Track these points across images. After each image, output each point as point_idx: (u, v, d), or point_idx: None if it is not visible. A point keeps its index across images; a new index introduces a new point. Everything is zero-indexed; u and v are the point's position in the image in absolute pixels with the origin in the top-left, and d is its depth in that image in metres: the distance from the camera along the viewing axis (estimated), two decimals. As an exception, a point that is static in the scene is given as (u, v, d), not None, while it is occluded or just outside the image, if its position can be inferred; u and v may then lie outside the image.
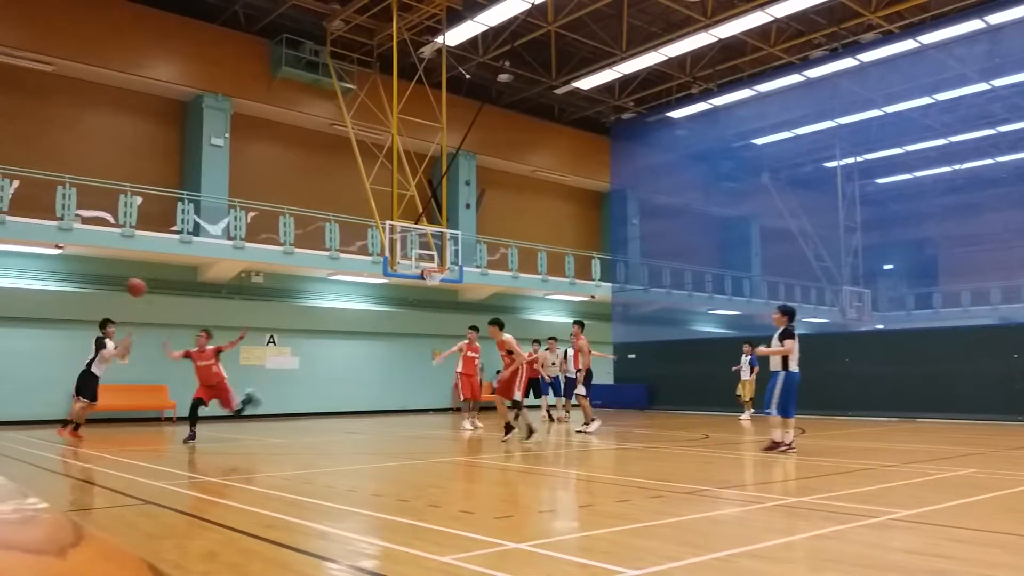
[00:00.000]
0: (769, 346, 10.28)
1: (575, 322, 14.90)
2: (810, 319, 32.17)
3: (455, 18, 20.60)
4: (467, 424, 15.12)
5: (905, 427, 15.55)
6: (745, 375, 18.25)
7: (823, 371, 17.27)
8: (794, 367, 10.04)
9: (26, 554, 0.75)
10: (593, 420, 13.72)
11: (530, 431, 11.57)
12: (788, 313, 10.38)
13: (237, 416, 13.54)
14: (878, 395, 18.01)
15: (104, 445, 12.49)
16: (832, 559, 4.25)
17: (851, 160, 30.28)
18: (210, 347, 12.69)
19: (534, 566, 4.19)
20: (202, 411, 12.74)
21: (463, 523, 5.35)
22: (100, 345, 13.02)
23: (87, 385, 12.86)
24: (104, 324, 13.29)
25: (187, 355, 12.80)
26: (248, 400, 12.88)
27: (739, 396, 18.39)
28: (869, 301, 30.30)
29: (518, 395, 11.74)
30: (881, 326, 29.69)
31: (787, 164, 30.76)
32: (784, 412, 9.97)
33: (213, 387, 12.59)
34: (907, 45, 21.89)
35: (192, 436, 12.13)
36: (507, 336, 11.83)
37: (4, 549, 0.79)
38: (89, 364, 12.98)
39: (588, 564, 4.12)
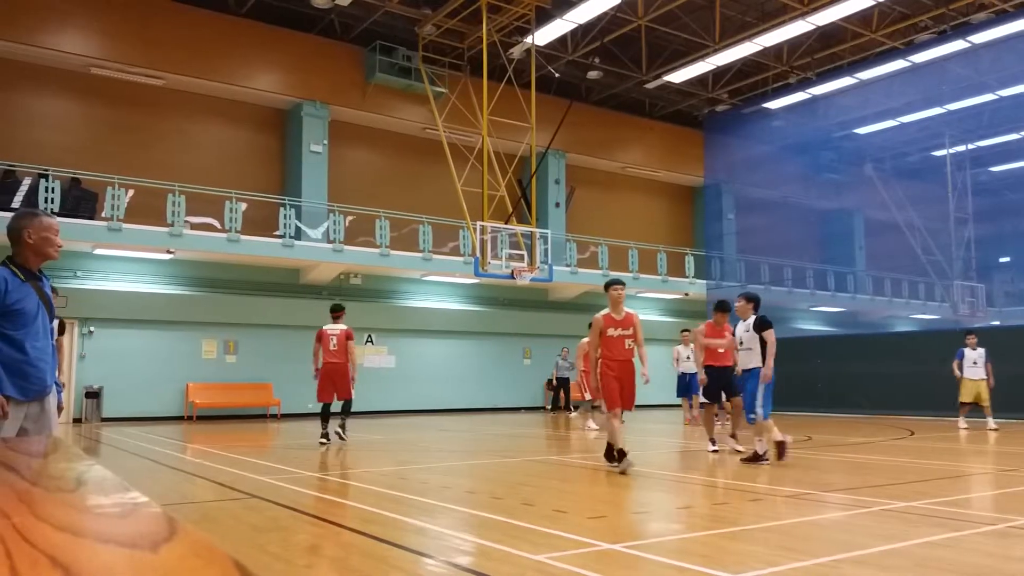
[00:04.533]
0: (741, 342, 9.16)
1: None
2: (918, 315, 30.75)
3: (544, 17, 20.61)
4: (592, 424, 14.83)
5: (1026, 429, 14.63)
6: (976, 373, 14.79)
7: (933, 369, 16.47)
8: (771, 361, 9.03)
9: (122, 547, 0.79)
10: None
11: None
12: (754, 300, 9.32)
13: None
14: (996, 395, 17.01)
15: (212, 441, 13.07)
16: (945, 568, 4.04)
17: (962, 148, 28.70)
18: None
19: (629, 568, 4.14)
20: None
21: (556, 522, 5.34)
22: None
23: None
24: None
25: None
26: None
27: (971, 403, 14.89)
28: (983, 296, 28.66)
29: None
30: (997, 322, 28.05)
31: (892, 154, 29.42)
32: (765, 414, 8.96)
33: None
34: (1023, 24, 20.59)
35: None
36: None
37: (102, 542, 0.83)
38: None
39: (684, 567, 4.04)
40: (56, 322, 8.10)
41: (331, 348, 11.78)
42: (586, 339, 14.49)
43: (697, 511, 6.06)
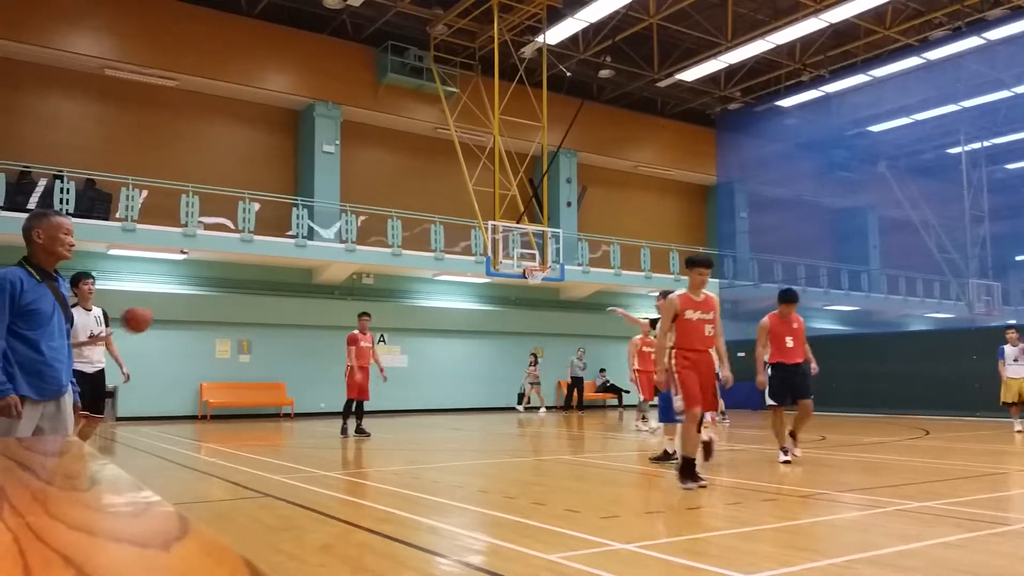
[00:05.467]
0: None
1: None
2: (933, 314, 30.54)
3: (555, 16, 20.59)
4: (652, 424, 13.73)
5: (1043, 429, 14.49)
6: (1017, 371, 13.49)
7: (948, 369, 16.33)
8: None
9: (134, 546, 0.79)
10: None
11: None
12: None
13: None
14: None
15: (225, 440, 13.13)
16: (960, 568, 4.00)
17: (977, 145, 28.47)
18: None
19: (641, 568, 4.13)
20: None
21: (568, 522, 5.33)
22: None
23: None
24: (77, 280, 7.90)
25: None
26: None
27: (1014, 403, 13.60)
28: (999, 294, 28.43)
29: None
30: (1014, 321, 27.83)
31: (906, 151, 29.21)
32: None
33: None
34: (1039, 20, 20.41)
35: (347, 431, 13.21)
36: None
37: (115, 541, 0.83)
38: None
39: (697, 567, 4.03)
40: (101, 311, 8.07)
41: None
42: (638, 336, 13.69)
43: (710, 511, 6.04)
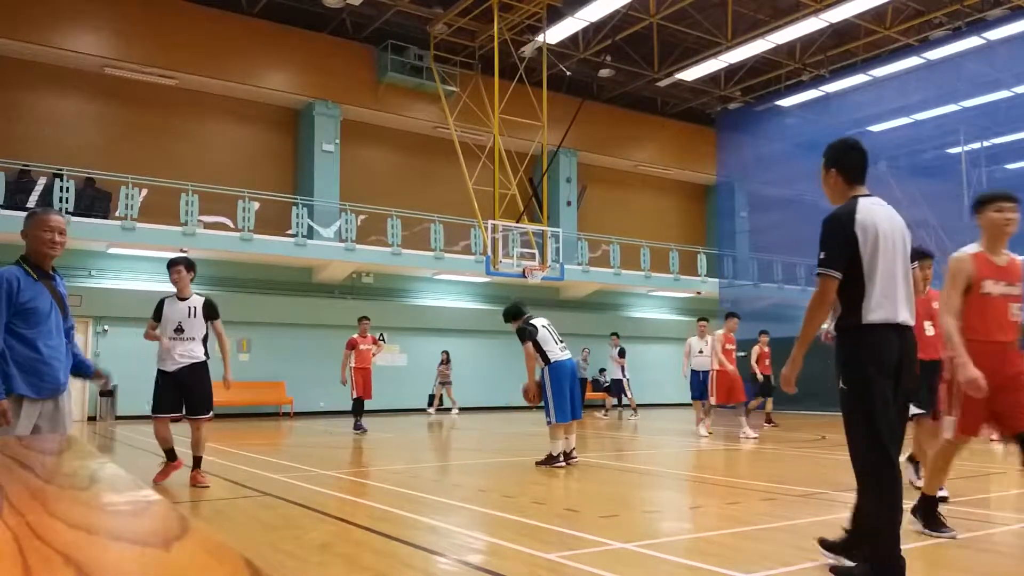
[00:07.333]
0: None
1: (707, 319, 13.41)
2: (933, 314, 30.57)
3: (555, 16, 20.58)
4: (748, 431, 12.47)
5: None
6: None
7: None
8: (557, 356, 8.55)
9: (134, 545, 0.79)
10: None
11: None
12: (512, 315, 9.12)
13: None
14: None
15: (225, 439, 13.12)
16: (959, 567, 4.01)
17: (977, 145, 28.49)
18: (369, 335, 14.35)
19: (641, 567, 4.13)
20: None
21: (568, 521, 5.34)
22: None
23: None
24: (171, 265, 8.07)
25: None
26: None
27: None
28: (999, 294, 28.44)
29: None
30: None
31: (906, 151, 29.21)
32: (562, 416, 8.49)
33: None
34: (1039, 20, 20.43)
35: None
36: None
37: (115, 540, 0.83)
38: None
39: (696, 566, 4.03)
40: (201, 301, 7.93)
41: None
42: (721, 331, 12.59)
43: (710, 510, 6.04)
